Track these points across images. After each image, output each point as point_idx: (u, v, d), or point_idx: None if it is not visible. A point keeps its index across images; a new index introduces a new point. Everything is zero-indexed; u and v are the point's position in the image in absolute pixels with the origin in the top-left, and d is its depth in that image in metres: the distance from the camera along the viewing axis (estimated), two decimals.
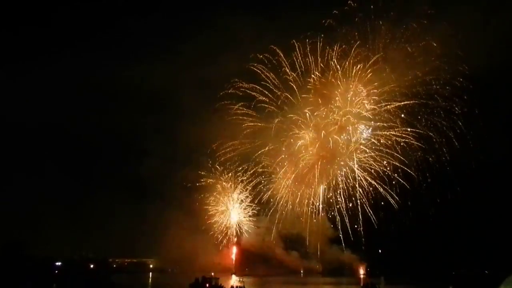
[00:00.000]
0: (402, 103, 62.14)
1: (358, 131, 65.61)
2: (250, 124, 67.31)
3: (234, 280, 59.63)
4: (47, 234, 68.65)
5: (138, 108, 77.11)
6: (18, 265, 61.01)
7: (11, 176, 69.47)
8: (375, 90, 62.97)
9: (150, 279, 78.44)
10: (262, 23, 63.78)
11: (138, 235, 72.31)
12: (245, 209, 74.78)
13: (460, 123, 60.66)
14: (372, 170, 64.13)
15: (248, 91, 66.68)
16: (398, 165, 63.59)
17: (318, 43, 63.04)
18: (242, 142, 67.98)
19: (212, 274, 71.53)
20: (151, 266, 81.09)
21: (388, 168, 64.16)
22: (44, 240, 68.52)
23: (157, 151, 71.89)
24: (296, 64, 64.21)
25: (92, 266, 70.64)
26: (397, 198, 64.97)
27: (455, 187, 63.11)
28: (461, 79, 59.19)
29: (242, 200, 74.26)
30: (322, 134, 65.27)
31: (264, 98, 66.47)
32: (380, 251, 74.23)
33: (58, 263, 68.05)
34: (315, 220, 67.64)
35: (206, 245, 72.90)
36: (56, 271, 65.65)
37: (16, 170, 70.58)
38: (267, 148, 67.21)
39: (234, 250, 76.91)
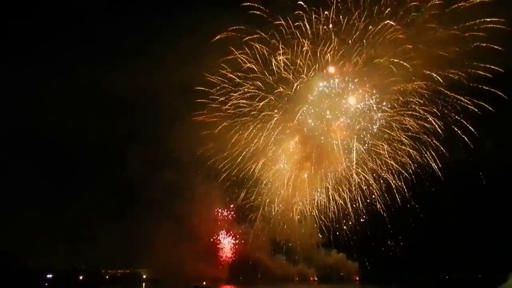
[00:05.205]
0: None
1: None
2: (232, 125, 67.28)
3: None
4: (40, 246, 68.19)
5: (117, 111, 76.00)
6: (7, 278, 60.91)
7: None
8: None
9: None
10: (243, 23, 63.07)
11: (130, 245, 71.81)
12: (232, 214, 74.95)
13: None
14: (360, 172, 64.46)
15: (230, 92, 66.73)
16: (390, 166, 63.84)
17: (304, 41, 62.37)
18: (228, 147, 67.71)
19: (204, 283, 71.53)
20: (144, 276, 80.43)
21: (379, 169, 64.43)
22: (37, 251, 68.10)
23: (140, 156, 71.50)
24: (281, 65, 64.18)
25: (81, 277, 70.28)
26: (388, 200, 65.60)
27: (449, 190, 63.40)
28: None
29: (229, 204, 74.34)
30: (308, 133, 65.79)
31: (245, 102, 66.62)
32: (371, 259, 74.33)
33: (49, 275, 67.79)
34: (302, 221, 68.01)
35: (197, 254, 72.63)
36: (46, 284, 65.47)
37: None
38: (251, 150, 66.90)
39: (226, 257, 76.66)
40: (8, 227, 65.73)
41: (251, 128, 66.29)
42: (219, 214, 75.81)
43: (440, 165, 61.47)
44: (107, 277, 78.43)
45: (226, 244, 76.28)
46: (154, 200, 70.75)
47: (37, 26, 77.15)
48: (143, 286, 79.70)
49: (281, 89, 64.72)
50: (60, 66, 74.41)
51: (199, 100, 66.52)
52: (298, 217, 68.45)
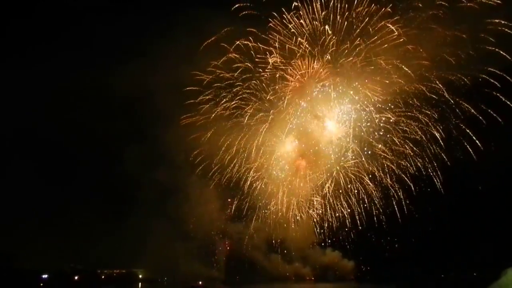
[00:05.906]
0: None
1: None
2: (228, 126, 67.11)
3: None
4: (36, 246, 68.03)
5: (113, 112, 75.73)
6: (3, 278, 60.74)
7: None
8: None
9: None
10: (238, 24, 62.69)
11: (126, 245, 71.75)
12: (229, 214, 74.99)
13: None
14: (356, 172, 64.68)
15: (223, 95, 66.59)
16: (386, 167, 64.04)
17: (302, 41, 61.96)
18: (223, 148, 67.55)
19: (200, 282, 71.64)
20: (140, 276, 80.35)
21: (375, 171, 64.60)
22: (33, 251, 67.95)
23: (136, 156, 71.29)
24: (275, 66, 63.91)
25: (77, 277, 70.13)
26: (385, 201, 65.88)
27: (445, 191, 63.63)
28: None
29: (225, 204, 74.34)
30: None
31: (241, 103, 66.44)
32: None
33: (45, 276, 67.60)
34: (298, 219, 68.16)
35: (193, 253, 72.72)
36: (42, 284, 65.27)
37: None
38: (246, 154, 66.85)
39: (222, 257, 76.71)
40: (4, 227, 65.54)
41: (245, 130, 66.21)
42: (215, 214, 75.80)
43: (436, 167, 61.69)
44: (103, 277, 78.41)
45: (222, 243, 76.43)
46: (150, 200, 70.68)
47: (37, 26, 77.03)
48: (139, 286, 79.72)
49: (277, 90, 64.51)
50: (59, 66, 74.18)
51: (194, 101, 66.37)
52: (293, 220, 68.58)
